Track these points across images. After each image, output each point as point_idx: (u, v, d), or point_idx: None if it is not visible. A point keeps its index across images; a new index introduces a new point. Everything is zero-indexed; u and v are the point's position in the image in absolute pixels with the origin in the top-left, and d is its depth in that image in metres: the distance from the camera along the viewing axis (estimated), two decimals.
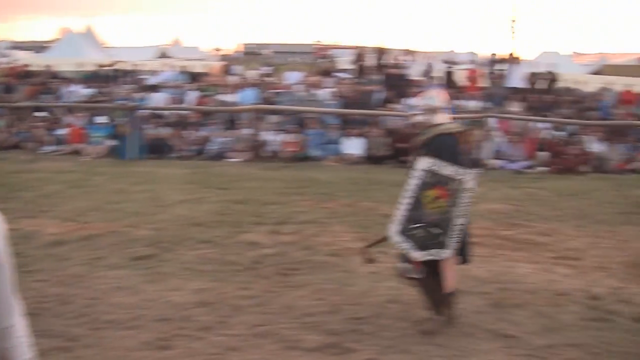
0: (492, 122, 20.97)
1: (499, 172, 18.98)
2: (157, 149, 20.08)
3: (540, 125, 21.53)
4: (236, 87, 23.35)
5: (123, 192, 13.80)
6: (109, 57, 35.30)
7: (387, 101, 22.83)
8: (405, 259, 7.00)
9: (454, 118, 18.33)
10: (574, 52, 64.76)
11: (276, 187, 14.82)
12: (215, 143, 20.23)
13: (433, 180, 6.82)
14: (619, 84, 26.10)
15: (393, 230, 6.93)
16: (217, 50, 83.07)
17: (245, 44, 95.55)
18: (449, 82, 24.94)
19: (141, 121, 20.00)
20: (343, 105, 22.32)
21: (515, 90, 24.22)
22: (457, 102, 22.60)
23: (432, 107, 7.11)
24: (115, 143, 19.91)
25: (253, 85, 23.68)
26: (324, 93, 22.30)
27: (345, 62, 35.23)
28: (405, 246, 6.89)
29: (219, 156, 19.78)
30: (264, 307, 7.39)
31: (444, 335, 6.77)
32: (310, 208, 12.64)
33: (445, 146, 6.91)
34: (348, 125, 21.01)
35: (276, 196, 13.67)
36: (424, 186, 6.85)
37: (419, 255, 6.85)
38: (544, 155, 19.76)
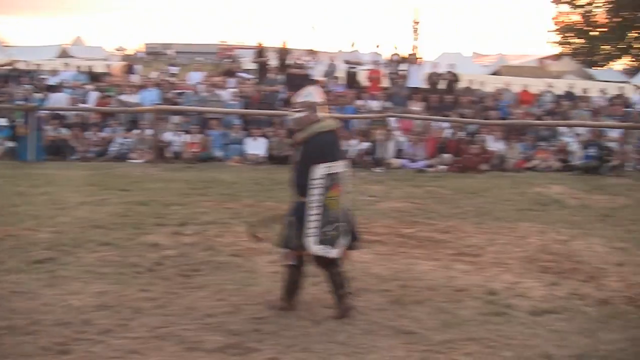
0: (393, 121, 21.27)
1: (401, 171, 19.30)
2: (57, 151, 19.74)
3: (441, 124, 21.91)
4: (138, 88, 23.08)
5: (22, 194, 13.49)
6: (7, 56, 34.43)
7: (289, 101, 22.88)
8: (286, 245, 7.30)
9: (356, 118, 18.55)
10: (474, 53, 65.94)
11: (179, 188, 14.74)
12: (116, 144, 20.00)
13: (330, 182, 7.02)
14: (517, 84, 26.71)
15: (311, 242, 7.03)
16: (120, 50, 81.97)
17: (149, 44, 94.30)
18: (351, 82, 25.11)
19: (41, 122, 19.59)
20: (246, 106, 22.33)
21: (416, 90, 24.54)
22: (359, 102, 22.85)
23: (311, 104, 7.28)
24: (13, 144, 19.48)
25: (155, 85, 23.42)
26: (227, 93, 22.24)
27: (248, 62, 35.18)
28: (324, 251, 7.11)
29: (121, 157, 19.57)
30: (165, 309, 7.33)
31: (345, 332, 6.83)
32: (213, 209, 12.60)
33: (328, 144, 7.14)
34: (251, 126, 21.04)
35: (178, 197, 13.59)
36: (325, 191, 7.00)
37: (336, 252, 7.17)
38: (444, 154, 20.13)
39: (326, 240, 7.06)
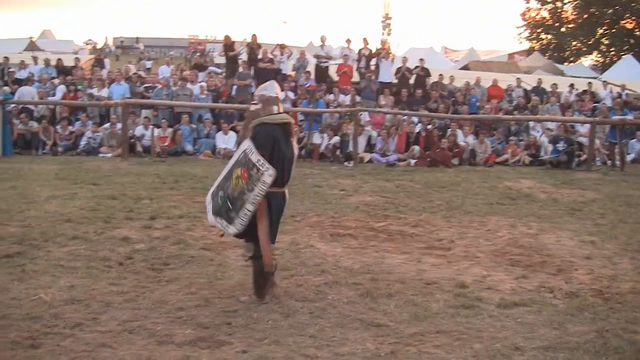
0: (364, 116, 21.31)
1: (371, 165, 19.35)
2: (26, 145, 19.61)
3: (411, 119, 21.98)
4: (108, 81, 22.93)
5: None
6: None
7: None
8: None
9: (326, 112, 18.55)
10: (445, 48, 66.27)
11: (149, 182, 14.71)
12: (86, 138, 19.88)
13: (243, 162, 7.28)
14: (486, 79, 26.85)
15: (209, 192, 7.73)
16: (89, 43, 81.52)
17: (118, 38, 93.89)
18: (321, 77, 25.10)
19: (9, 116, 19.44)
20: (216, 100, 22.25)
21: (387, 84, 24.58)
22: (329, 97, 22.86)
23: (267, 98, 7.52)
24: None
25: (125, 79, 23.30)
26: (197, 87, 22.14)
27: (219, 56, 35.09)
28: (208, 207, 7.63)
29: (91, 152, 19.47)
30: (135, 303, 7.29)
31: (316, 325, 6.84)
32: (184, 203, 12.58)
33: (263, 134, 7.32)
34: (221, 120, 20.98)
35: (149, 191, 13.56)
36: (237, 164, 7.37)
37: (210, 219, 7.60)
38: (415, 148, 20.19)
39: (214, 202, 7.54)
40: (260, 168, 7.13)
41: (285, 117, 7.67)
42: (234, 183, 7.29)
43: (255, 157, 7.17)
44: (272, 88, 7.69)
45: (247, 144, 7.31)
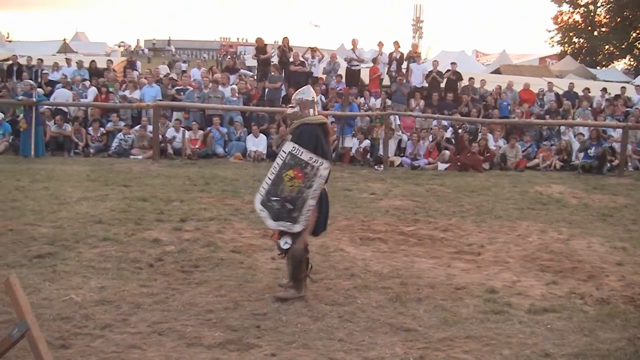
0: (395, 119, 21.27)
1: (402, 169, 19.31)
2: (58, 146, 19.78)
3: (442, 123, 21.93)
4: (139, 84, 23.06)
5: (23, 189, 13.53)
6: (8, 51, 34.41)
7: (290, 98, 22.88)
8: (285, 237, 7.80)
9: (357, 115, 18.62)
10: (476, 51, 66.08)
11: (179, 184, 14.78)
12: (118, 140, 20.01)
13: (292, 163, 7.67)
14: (518, 83, 26.73)
15: (257, 199, 7.84)
16: (122, 45, 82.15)
17: (151, 40, 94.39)
18: (352, 80, 25.09)
19: (42, 117, 19.63)
20: (247, 102, 22.33)
21: (418, 88, 24.54)
22: (360, 100, 22.86)
23: (304, 101, 7.96)
24: (15, 139, 19.52)
25: (156, 81, 23.44)
26: (228, 90, 22.21)
27: (250, 59, 35.14)
28: (263, 215, 7.79)
29: (122, 153, 19.58)
30: (164, 305, 7.34)
31: (345, 329, 6.85)
32: (214, 205, 12.63)
33: (307, 134, 7.78)
34: (252, 122, 21.04)
35: (179, 193, 13.63)
36: (285, 167, 7.69)
37: (271, 225, 7.79)
38: (446, 152, 20.14)
39: (269, 207, 7.73)
40: (315, 164, 7.62)
41: (323, 117, 8.28)
42: (289, 185, 7.65)
43: (306, 155, 7.63)
44: (309, 92, 8.10)
45: (291, 146, 7.71)
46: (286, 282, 8.05)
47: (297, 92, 8.24)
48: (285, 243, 7.78)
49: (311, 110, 7.97)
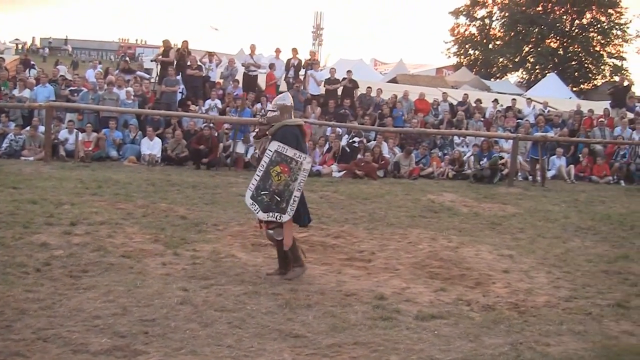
0: None
1: None
2: None
3: (338, 130, 22.10)
4: (32, 83, 22.52)
5: None
6: None
7: (186, 102, 22.74)
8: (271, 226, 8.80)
9: (253, 123, 18.59)
10: (375, 60, 66.78)
11: (71, 187, 14.49)
12: (8, 140, 19.51)
13: (279, 159, 8.67)
14: (414, 92, 27.14)
15: (247, 194, 8.76)
16: (16, 44, 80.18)
17: (48, 38, 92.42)
18: (249, 86, 25.05)
19: None
20: (142, 105, 22.07)
21: (314, 95, 24.68)
22: (257, 106, 22.84)
23: (283, 106, 8.96)
24: None
25: (50, 81, 22.94)
26: (124, 92, 21.90)
27: (148, 61, 34.75)
28: (254, 208, 8.72)
29: (13, 154, 19.09)
30: (51, 310, 7.16)
31: (234, 335, 6.82)
32: (105, 209, 12.40)
33: (290, 134, 8.79)
34: (147, 126, 20.80)
35: (71, 196, 13.34)
36: (272, 163, 8.67)
37: (262, 216, 8.71)
38: (340, 160, 20.30)
39: (259, 201, 8.68)
40: (299, 159, 8.67)
41: (300, 120, 9.50)
42: (276, 179, 8.66)
43: (290, 152, 8.66)
44: (288, 98, 9.28)
45: (276, 145, 8.69)
46: (275, 270, 9.07)
47: (277, 97, 9.41)
48: (279, 235, 8.75)
49: (289, 115, 8.99)
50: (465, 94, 28.36)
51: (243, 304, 7.72)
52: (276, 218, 8.68)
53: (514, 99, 27.94)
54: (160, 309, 7.41)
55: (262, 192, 8.67)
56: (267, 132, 9.03)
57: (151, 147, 20.05)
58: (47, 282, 8.12)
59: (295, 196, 8.65)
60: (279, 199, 8.65)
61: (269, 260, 9.74)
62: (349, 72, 26.46)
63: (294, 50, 26.17)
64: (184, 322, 7.07)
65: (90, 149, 19.60)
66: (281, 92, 24.99)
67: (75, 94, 22.10)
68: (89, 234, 10.49)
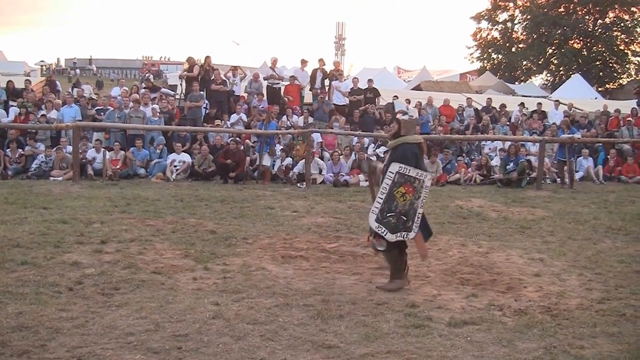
0: (316, 137, 21.37)
1: (324, 186, 19.36)
2: None
3: (363, 140, 22.12)
4: (59, 104, 22.71)
5: None
6: None
7: (212, 117, 22.84)
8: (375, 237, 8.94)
9: (279, 134, 18.67)
10: (398, 68, 66.84)
11: (100, 205, 14.58)
12: (37, 161, 19.68)
13: (402, 180, 8.75)
14: (438, 99, 27.11)
15: (372, 219, 8.81)
16: (42, 65, 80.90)
17: (72, 59, 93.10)
18: (274, 98, 25.13)
19: None
20: (169, 122, 22.19)
21: (339, 106, 24.72)
22: (282, 118, 22.93)
23: (406, 121, 8.98)
24: None
25: (76, 101, 23.13)
26: (150, 109, 22.02)
27: (172, 78, 34.92)
28: (381, 231, 8.77)
29: (42, 175, 19.26)
30: (84, 329, 7.21)
31: (267, 348, 6.83)
32: (135, 226, 12.48)
33: (410, 153, 8.86)
34: (174, 142, 20.90)
35: (100, 215, 13.44)
36: (395, 185, 8.73)
37: (391, 238, 8.79)
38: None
39: (385, 223, 8.77)
40: (421, 178, 8.82)
41: (419, 137, 9.37)
42: (401, 200, 8.78)
43: (413, 172, 8.78)
44: (413, 112, 9.36)
45: (397, 166, 8.73)
46: (386, 283, 9.20)
47: (399, 111, 9.13)
48: (380, 245, 8.90)
49: (411, 130, 9.04)
50: (488, 98, 28.31)
51: (275, 316, 7.74)
52: (404, 237, 8.90)
53: (539, 103, 27.72)
54: (193, 323, 7.43)
55: (387, 215, 8.77)
56: (388, 146, 9.35)
57: (179, 163, 20.14)
58: (80, 301, 8.16)
59: (419, 213, 8.91)
60: (405, 219, 8.82)
61: (299, 272, 9.76)
62: (369, 81, 26.48)
63: (321, 61, 26.19)
64: (216, 336, 7.09)
65: (118, 167, 19.73)
66: (307, 104, 25.31)
67: (102, 113, 22.28)
68: (119, 251, 10.56)
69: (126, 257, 10.18)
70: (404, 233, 8.85)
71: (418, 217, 8.89)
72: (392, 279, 9.16)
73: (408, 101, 20.91)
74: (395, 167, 8.76)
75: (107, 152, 19.91)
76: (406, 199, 8.78)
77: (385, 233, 8.78)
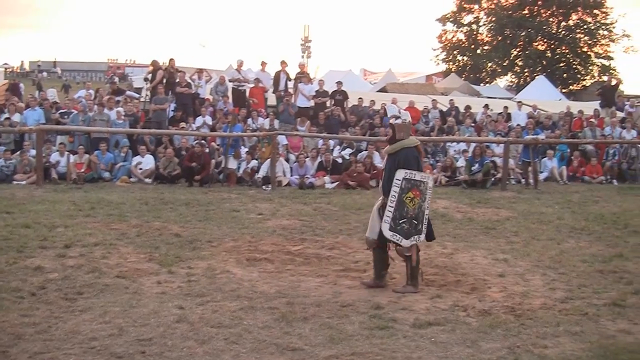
0: (281, 139, 21.36)
1: (289, 188, 19.34)
2: None
3: (329, 142, 22.13)
4: (22, 107, 22.50)
5: None
6: None
7: (177, 120, 22.74)
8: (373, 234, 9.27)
9: (244, 136, 18.62)
10: (364, 70, 66.88)
11: (64, 209, 14.46)
12: None
13: (409, 185, 9.02)
14: (403, 101, 27.20)
15: (384, 228, 9.00)
16: (5, 67, 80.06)
17: (37, 62, 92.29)
18: (239, 101, 25.08)
19: None
20: (134, 125, 22.06)
21: (304, 108, 24.72)
22: (247, 121, 22.89)
23: (401, 125, 9.31)
24: None
25: (40, 104, 22.92)
26: (114, 112, 21.88)
27: (138, 80, 34.75)
28: (396, 238, 9.01)
29: (4, 179, 19.05)
30: (47, 334, 7.15)
31: (231, 351, 6.82)
32: (99, 230, 12.40)
33: (412, 157, 9.15)
34: (139, 145, 20.79)
35: (64, 219, 13.32)
36: (404, 191, 8.99)
37: (406, 243, 9.03)
38: (333, 171, 20.32)
39: (399, 230, 8.99)
40: (425, 180, 9.14)
41: (416, 139, 9.53)
42: (411, 205, 9.05)
43: (418, 175, 9.08)
44: (405, 117, 10.18)
45: (403, 173, 8.99)
46: (403, 286, 9.27)
47: (392, 115, 9.39)
48: (408, 251, 9.09)
49: (407, 134, 9.28)
50: (451, 100, 28.46)
51: (239, 320, 7.74)
52: (416, 240, 9.12)
53: (505, 107, 27.82)
54: (157, 327, 7.42)
55: (400, 222, 9.01)
56: (384, 151, 9.60)
57: (144, 166, 20.04)
58: (43, 306, 8.11)
59: (426, 214, 9.17)
60: (416, 222, 9.07)
61: (264, 274, 9.76)
62: (338, 83, 26.52)
63: (283, 63, 26.19)
64: (180, 340, 7.07)
65: (82, 170, 19.56)
66: (271, 106, 25.29)
67: (66, 117, 22.11)
68: (83, 255, 10.49)
69: (90, 262, 10.12)
70: (416, 236, 9.10)
71: (426, 219, 9.18)
72: (410, 282, 9.28)
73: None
74: (401, 173, 9.02)
75: (71, 155, 19.75)
76: (415, 203, 9.06)
77: (400, 240, 9.03)
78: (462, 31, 69.17)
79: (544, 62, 63.16)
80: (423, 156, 9.94)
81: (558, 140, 23.72)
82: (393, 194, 8.98)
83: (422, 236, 9.15)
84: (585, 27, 63.54)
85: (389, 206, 8.99)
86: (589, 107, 28.33)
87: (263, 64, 27.07)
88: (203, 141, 20.69)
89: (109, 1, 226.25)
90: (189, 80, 24.67)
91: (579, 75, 65.26)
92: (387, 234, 9.02)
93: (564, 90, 57.32)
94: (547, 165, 22.66)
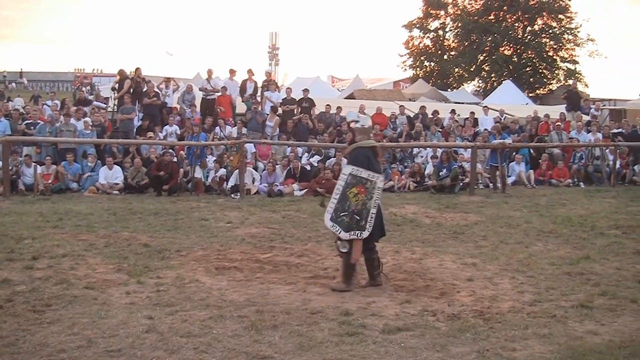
0: (250, 147, 21.35)
1: (258, 196, 19.33)
2: None
3: (297, 149, 22.15)
4: None
5: None
6: None
7: (145, 130, 22.64)
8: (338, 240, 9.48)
9: (212, 145, 18.59)
10: (332, 77, 67.06)
11: (31, 221, 14.34)
12: None
13: (354, 181, 9.42)
14: (371, 107, 27.27)
15: (326, 217, 9.48)
16: None
17: (2, 72, 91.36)
18: (208, 109, 25.02)
19: None
20: (101, 135, 21.97)
21: (272, 115, 24.71)
22: (215, 129, 22.86)
23: (361, 129, 9.73)
24: None
25: (5, 115, 22.73)
26: (81, 122, 21.75)
27: (105, 90, 34.57)
28: (335, 229, 9.40)
29: None
30: (14, 347, 7.06)
31: None
32: (67, 241, 12.29)
33: (361, 156, 9.53)
34: (106, 155, 20.68)
35: (31, 230, 13.21)
36: (348, 186, 9.41)
37: (345, 236, 9.36)
38: (301, 178, 20.33)
39: (339, 222, 9.36)
40: (372, 179, 9.40)
41: (373, 141, 9.94)
42: (354, 200, 9.38)
43: (365, 173, 9.41)
44: (365, 120, 10.22)
45: (350, 168, 9.51)
46: (338, 281, 9.67)
47: (351, 121, 10.08)
48: (343, 247, 9.39)
49: (364, 137, 9.65)
50: (422, 106, 28.56)
51: (209, 329, 7.70)
52: (357, 235, 9.35)
53: (472, 112, 27.93)
54: (126, 338, 7.37)
55: (341, 214, 9.38)
56: (342, 155, 9.63)
57: (110, 176, 19.92)
58: (10, 319, 8.01)
59: (372, 213, 9.38)
60: (358, 218, 9.35)
61: (233, 283, 9.74)
62: (305, 90, 26.55)
63: (250, 72, 26.22)
64: (150, 350, 7.03)
65: (49, 181, 19.45)
66: (239, 114, 25.26)
67: (32, 127, 21.95)
68: (51, 267, 10.40)
69: (58, 273, 10.03)
70: (357, 232, 9.33)
71: (371, 217, 9.37)
72: (342, 280, 9.56)
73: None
74: (348, 169, 9.52)
75: (38, 166, 19.61)
76: (359, 199, 9.36)
77: (339, 231, 9.35)
78: (428, 37, 69.68)
79: (511, 67, 63.69)
80: (380, 157, 10.19)
81: (525, 144, 23.89)
82: (338, 187, 9.47)
83: (365, 233, 9.36)
84: (550, 31, 64.30)
85: (333, 197, 9.47)
86: (556, 111, 28.57)
87: (231, 72, 27.05)
88: (171, 150, 20.64)
89: (74, 10, 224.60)
90: (157, 90, 24.57)
91: (545, 80, 65.94)
92: (328, 223, 9.50)
93: (530, 95, 57.94)
94: (514, 169, 22.81)
